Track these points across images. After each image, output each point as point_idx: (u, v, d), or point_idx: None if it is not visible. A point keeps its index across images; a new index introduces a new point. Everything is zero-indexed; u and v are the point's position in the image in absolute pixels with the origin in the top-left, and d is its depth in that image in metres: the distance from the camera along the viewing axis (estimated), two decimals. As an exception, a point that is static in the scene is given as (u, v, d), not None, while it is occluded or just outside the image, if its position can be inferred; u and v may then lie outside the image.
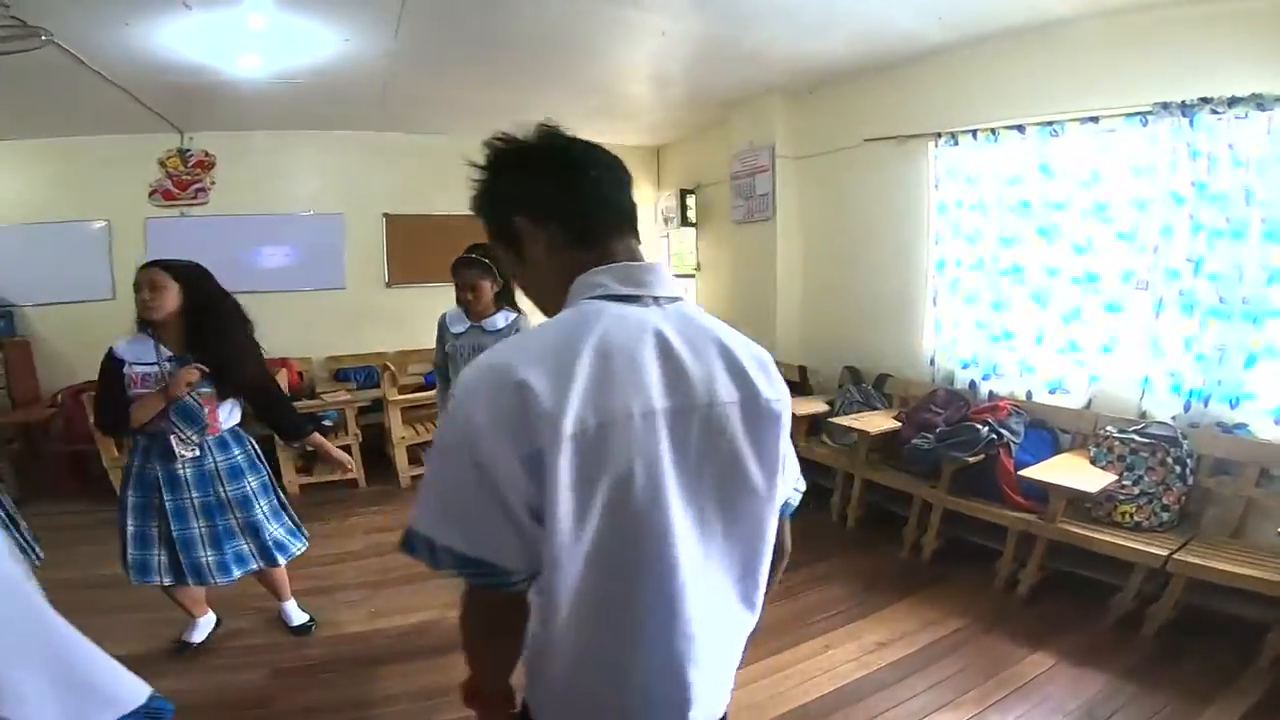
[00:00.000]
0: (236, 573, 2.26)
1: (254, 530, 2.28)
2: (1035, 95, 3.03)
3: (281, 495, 2.44)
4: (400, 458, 4.32)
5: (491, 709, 0.86)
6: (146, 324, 2.15)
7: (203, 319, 2.14)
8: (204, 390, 2.15)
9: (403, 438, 4.31)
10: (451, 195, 5.20)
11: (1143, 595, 2.42)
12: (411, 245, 5.21)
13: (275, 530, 2.35)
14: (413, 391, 4.72)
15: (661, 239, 5.91)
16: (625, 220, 0.82)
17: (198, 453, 2.18)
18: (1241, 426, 2.50)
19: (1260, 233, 2.41)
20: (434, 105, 4.33)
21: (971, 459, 2.85)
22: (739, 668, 0.85)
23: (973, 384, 3.42)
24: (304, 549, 2.44)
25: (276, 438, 2.66)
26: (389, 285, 5.24)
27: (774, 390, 0.78)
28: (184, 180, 4.58)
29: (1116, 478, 2.53)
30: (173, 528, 2.15)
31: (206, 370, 2.13)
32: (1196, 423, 2.59)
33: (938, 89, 3.48)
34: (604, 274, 0.75)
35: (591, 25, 3.01)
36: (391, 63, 3.31)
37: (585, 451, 0.64)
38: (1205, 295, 2.55)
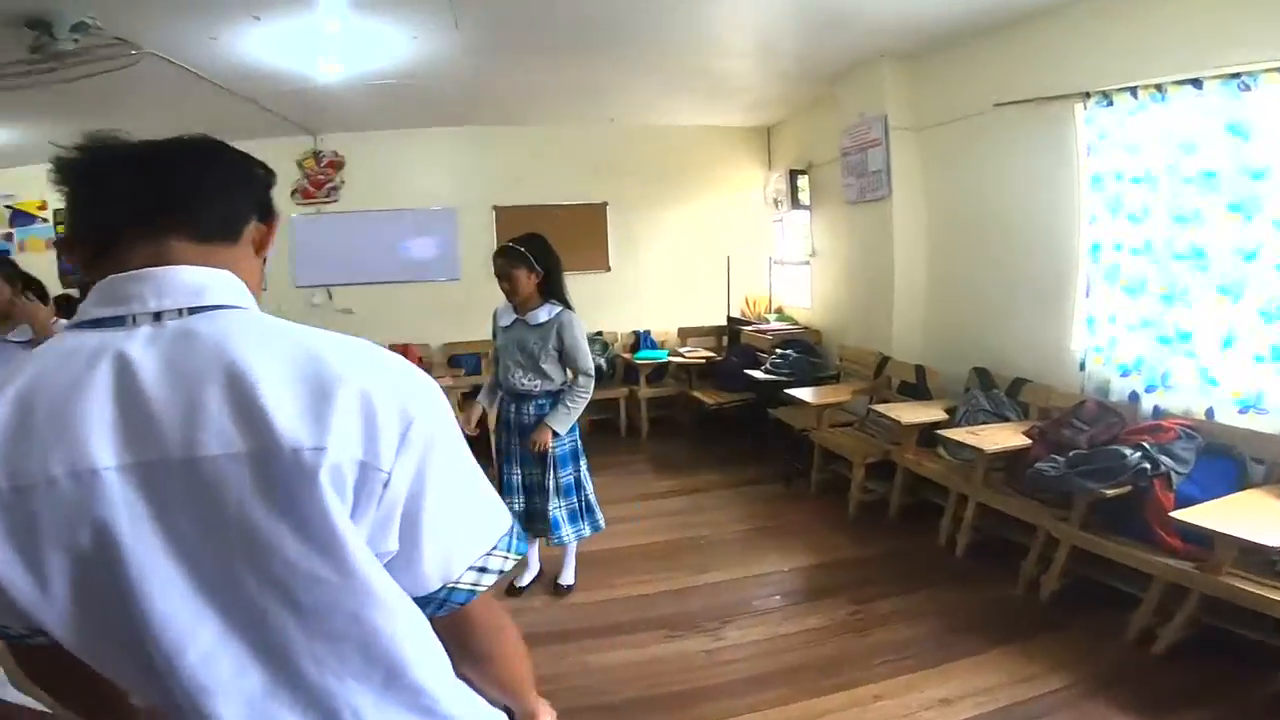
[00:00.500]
0: None
1: None
2: (1215, 40, 2.43)
3: None
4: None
5: None
6: None
7: None
8: None
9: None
10: (552, 184, 5.40)
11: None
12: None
13: None
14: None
15: (775, 223, 5.64)
16: (150, 217, 0.63)
17: None
18: None
19: None
20: (524, 96, 4.45)
21: (1111, 492, 2.39)
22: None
23: (1134, 396, 2.86)
24: None
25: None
26: (499, 276, 5.52)
27: (317, 434, 0.54)
28: (319, 180, 5.15)
29: (1319, 529, 1.99)
30: None
31: None
32: None
33: (1084, 41, 2.92)
34: (92, 294, 0.61)
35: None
36: (465, 57, 3.41)
37: (8, 515, 0.53)
38: None
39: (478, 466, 0.68)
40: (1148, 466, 2.39)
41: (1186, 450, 2.47)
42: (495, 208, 5.42)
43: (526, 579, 2.90)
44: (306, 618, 0.56)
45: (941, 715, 2.02)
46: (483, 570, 0.65)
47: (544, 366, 2.60)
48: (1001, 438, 2.89)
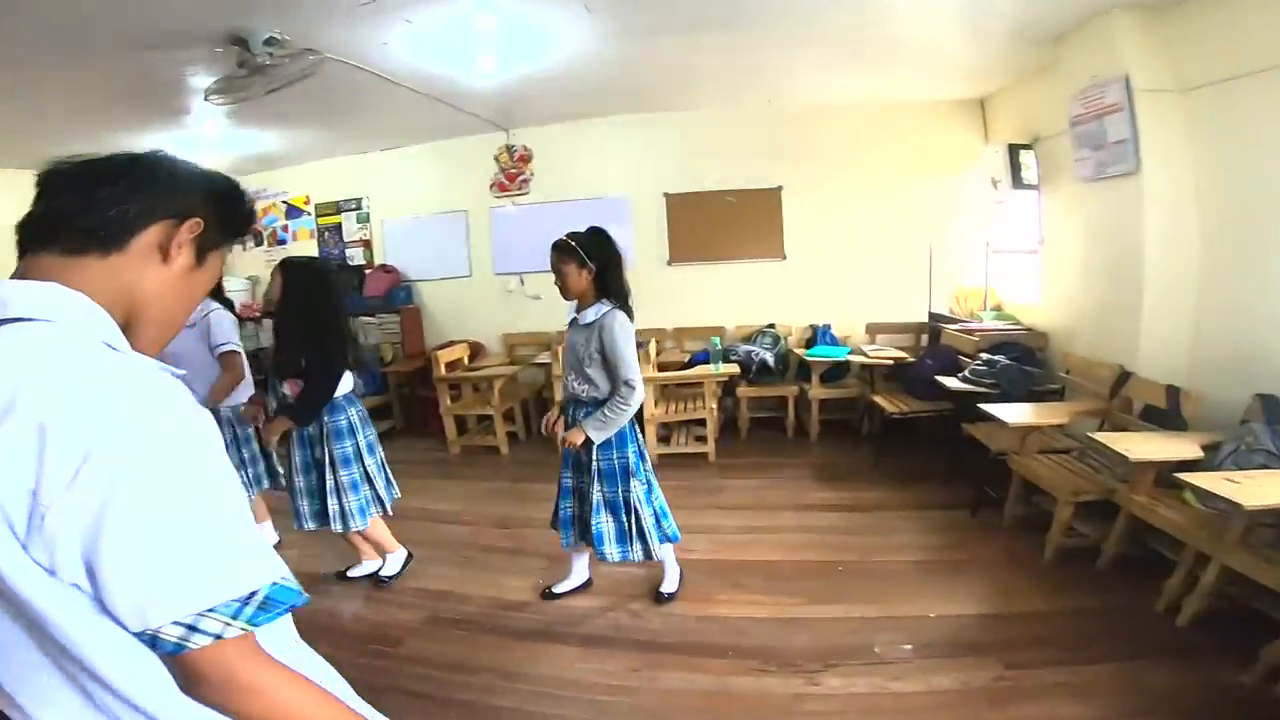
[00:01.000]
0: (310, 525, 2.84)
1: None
2: None
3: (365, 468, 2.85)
4: (649, 434, 4.61)
5: None
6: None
7: (286, 308, 2.72)
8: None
9: (652, 415, 4.59)
10: (720, 169, 5.28)
11: None
12: (689, 222, 5.45)
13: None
14: (678, 369, 4.97)
15: (997, 204, 4.87)
16: (32, 237, 0.70)
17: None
18: None
19: None
20: (676, 81, 4.38)
21: None
22: None
23: None
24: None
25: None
26: (670, 263, 5.57)
27: None
28: (512, 173, 5.64)
29: None
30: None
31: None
32: None
33: None
34: None
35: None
36: (602, 42, 3.41)
37: None
38: None
39: (222, 519, 0.63)
40: None
41: None
42: (666, 195, 5.46)
43: (565, 586, 2.86)
44: None
45: None
46: (191, 628, 0.59)
47: (588, 371, 2.46)
48: (1276, 491, 2.17)
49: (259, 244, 6.65)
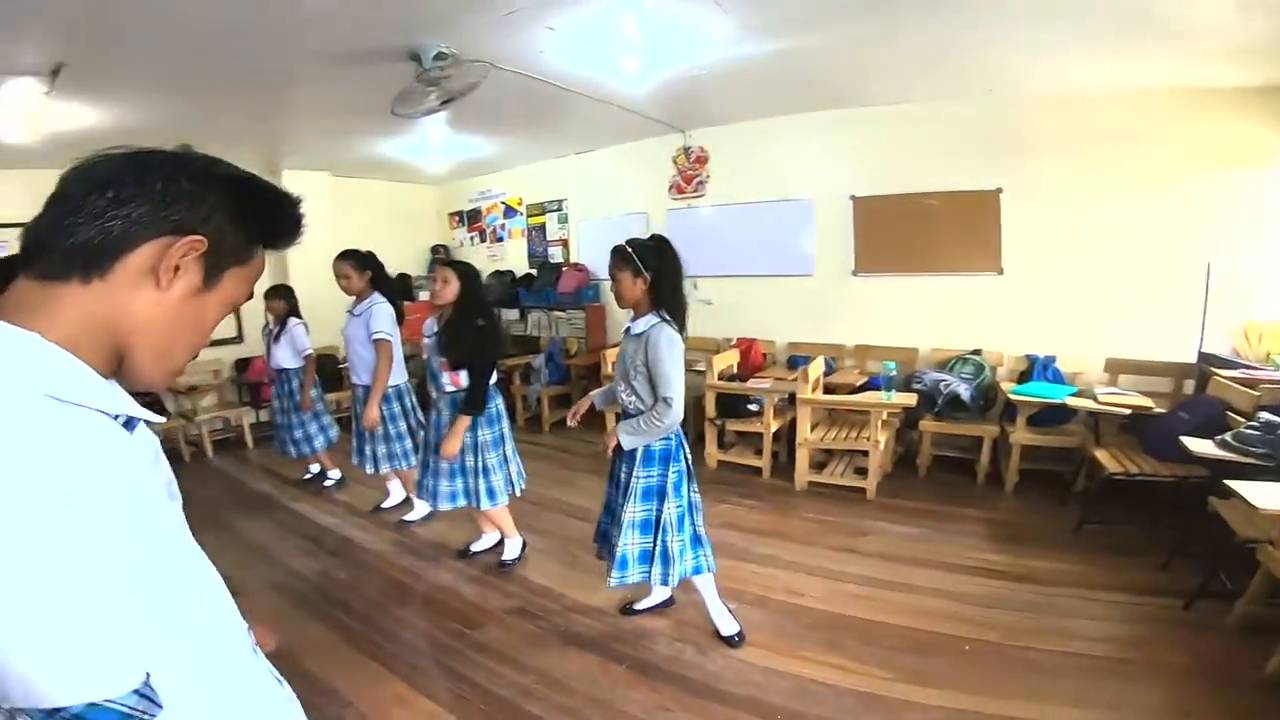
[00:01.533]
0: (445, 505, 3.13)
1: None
2: None
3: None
4: (800, 459, 4.29)
5: None
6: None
7: (459, 307, 2.96)
8: (441, 358, 3.00)
9: (806, 439, 4.25)
10: (920, 170, 4.72)
11: None
12: (880, 229, 4.95)
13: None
14: (849, 392, 4.55)
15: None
16: (22, 254, 0.64)
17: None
18: None
19: None
20: (871, 72, 3.94)
21: None
22: None
23: None
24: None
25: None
26: (855, 273, 5.11)
27: None
28: (689, 175, 5.65)
29: None
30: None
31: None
32: None
33: None
34: None
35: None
36: (756, 37, 3.20)
37: None
38: None
39: (39, 615, 0.53)
40: None
41: None
42: (853, 198, 5.00)
43: (645, 604, 2.85)
44: None
45: None
46: None
47: (634, 383, 2.37)
48: None
49: (482, 240, 7.60)
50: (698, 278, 5.77)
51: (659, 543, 2.40)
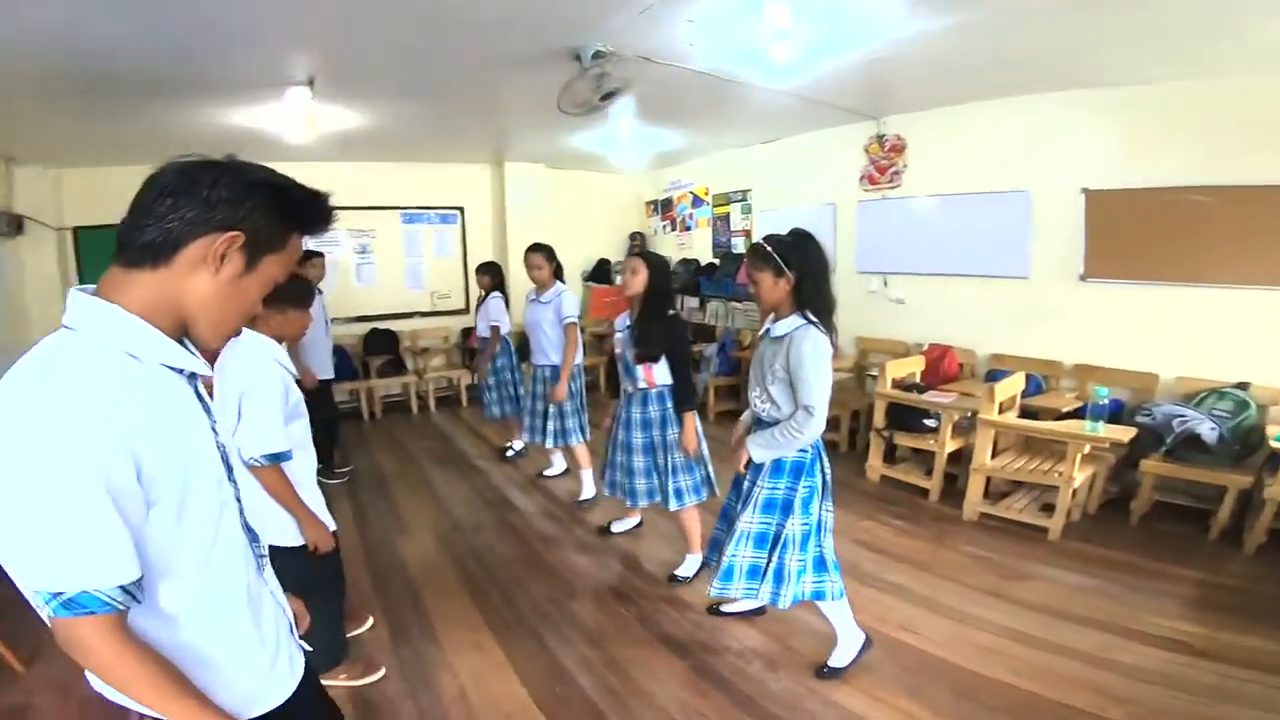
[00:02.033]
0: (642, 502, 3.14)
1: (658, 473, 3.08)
2: None
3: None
4: (973, 487, 3.80)
5: None
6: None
7: (649, 299, 2.95)
8: (635, 350, 2.99)
9: (983, 464, 3.75)
10: (1172, 160, 3.86)
11: None
12: (1120, 228, 4.15)
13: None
14: (1053, 417, 3.94)
15: None
16: (120, 245, 0.85)
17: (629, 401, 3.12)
18: None
19: None
20: (1121, 43, 3.27)
21: None
22: None
23: None
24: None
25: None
26: (1084, 278, 4.35)
27: None
28: (882, 164, 5.22)
29: None
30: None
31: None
32: None
33: None
34: None
35: None
36: (930, 11, 2.84)
37: None
38: None
39: (40, 526, 0.73)
40: None
41: None
42: (1086, 191, 4.22)
43: (735, 606, 2.83)
44: None
45: None
46: (35, 595, 0.76)
47: (771, 389, 2.22)
48: None
49: (673, 228, 7.85)
50: (888, 274, 5.39)
51: (775, 559, 2.24)
